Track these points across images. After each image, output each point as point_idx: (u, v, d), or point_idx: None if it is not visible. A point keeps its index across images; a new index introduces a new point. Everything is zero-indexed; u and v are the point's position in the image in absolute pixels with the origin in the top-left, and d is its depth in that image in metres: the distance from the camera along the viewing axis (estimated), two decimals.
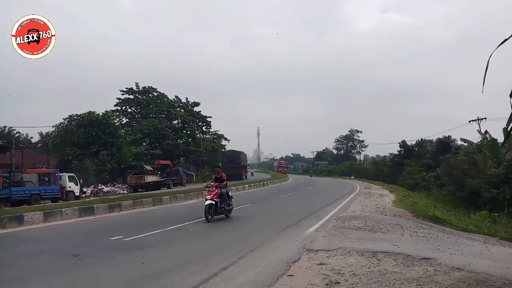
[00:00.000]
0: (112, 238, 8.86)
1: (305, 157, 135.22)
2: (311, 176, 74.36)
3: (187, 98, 58.37)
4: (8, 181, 24.36)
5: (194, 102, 58.60)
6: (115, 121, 42.30)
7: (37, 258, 7.28)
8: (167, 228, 10.37)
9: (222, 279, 5.71)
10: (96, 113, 38.52)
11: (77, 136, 37.14)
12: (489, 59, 4.55)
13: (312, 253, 7.40)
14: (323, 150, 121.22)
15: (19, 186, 24.07)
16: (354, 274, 5.95)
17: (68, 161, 35.17)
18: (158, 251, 7.67)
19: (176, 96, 57.09)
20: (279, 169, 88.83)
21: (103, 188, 33.62)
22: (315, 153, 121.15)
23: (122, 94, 51.29)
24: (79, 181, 28.86)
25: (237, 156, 51.28)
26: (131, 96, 51.82)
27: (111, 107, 49.50)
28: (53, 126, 41.84)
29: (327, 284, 5.44)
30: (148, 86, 53.23)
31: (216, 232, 10.32)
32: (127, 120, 52.16)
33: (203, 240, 9.12)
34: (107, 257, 7.21)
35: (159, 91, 54.15)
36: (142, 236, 9.20)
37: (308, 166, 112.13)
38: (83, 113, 38.52)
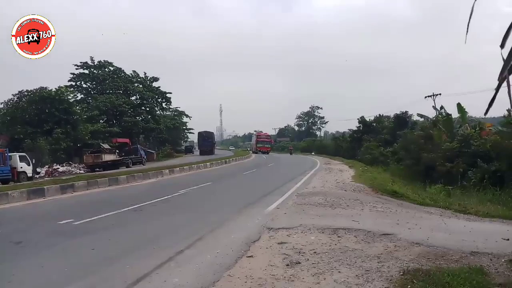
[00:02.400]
0: (61, 222, 8.30)
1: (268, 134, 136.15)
2: (291, 153, 66.81)
3: (145, 73, 56.51)
4: None
5: (153, 77, 56.83)
6: (70, 97, 40.27)
7: None
8: (122, 210, 9.88)
9: (177, 263, 5.40)
10: (49, 88, 36.46)
11: (29, 114, 35.01)
12: (473, 4, 4.35)
13: (273, 231, 7.24)
14: (285, 127, 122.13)
15: None
16: (315, 252, 5.83)
17: (20, 140, 33.23)
18: (110, 235, 7.24)
19: (134, 71, 55.10)
20: (258, 145, 67.20)
21: (58, 168, 32.13)
22: (277, 130, 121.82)
23: (77, 69, 48.78)
24: (32, 161, 27.39)
25: (210, 136, 64.03)
26: (86, 71, 49.43)
27: (65, 82, 47.08)
28: (1, 103, 39.34)
29: (287, 265, 5.26)
30: (104, 61, 50.86)
31: (174, 212, 9.94)
32: (82, 96, 49.80)
33: (160, 221, 8.73)
34: (53, 243, 6.70)
35: (115, 65, 51.98)
36: (95, 218, 8.69)
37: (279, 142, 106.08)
38: (34, 89, 36.34)
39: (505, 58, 4.08)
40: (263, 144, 67.38)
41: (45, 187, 13.26)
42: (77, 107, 41.00)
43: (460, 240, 6.65)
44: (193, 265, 5.32)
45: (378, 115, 50.52)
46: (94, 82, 50.28)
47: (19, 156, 26.25)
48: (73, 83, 48.54)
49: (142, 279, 4.82)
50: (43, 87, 36.27)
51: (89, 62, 49.40)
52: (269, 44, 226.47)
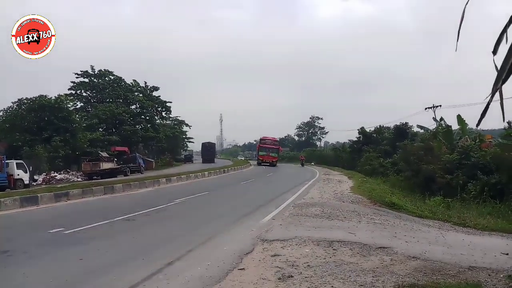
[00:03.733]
0: (51, 231, 8.11)
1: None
2: (302, 165, 52.64)
3: (145, 83, 56.69)
4: None
5: (153, 86, 57.00)
6: (69, 105, 40.25)
7: None
8: (115, 219, 9.69)
9: (166, 275, 5.23)
10: (48, 97, 36.44)
11: (28, 121, 34.98)
12: (464, 8, 4.24)
13: (267, 243, 7.07)
14: (285, 136, 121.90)
15: None
16: (308, 266, 5.66)
17: (18, 147, 33.11)
18: (100, 245, 7.05)
19: (134, 80, 55.25)
20: (260, 153, 51.46)
21: (56, 176, 31.98)
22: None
23: (77, 77, 48.89)
24: (29, 169, 27.25)
25: (212, 146, 74.97)
26: (86, 80, 49.51)
27: (64, 91, 47.10)
28: (0, 110, 39.31)
29: (279, 278, 5.10)
30: (104, 69, 50.98)
31: (167, 222, 9.76)
32: (82, 104, 49.86)
33: (151, 231, 8.55)
34: (41, 253, 6.52)
35: (116, 74, 52.08)
36: (85, 228, 8.49)
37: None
38: (33, 97, 36.32)
39: (497, 65, 3.96)
40: (267, 152, 49.09)
41: (39, 195, 13.08)
42: (77, 116, 40.97)
43: (458, 254, 6.49)
44: (182, 277, 5.15)
45: (378, 126, 50.54)
46: (94, 91, 50.35)
47: (16, 163, 26.11)
48: (73, 92, 48.57)
49: None
50: (43, 95, 36.26)
51: (90, 71, 49.53)
52: (271, 55, 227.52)
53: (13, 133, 34.56)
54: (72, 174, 33.89)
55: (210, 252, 6.53)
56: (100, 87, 49.76)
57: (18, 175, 25.49)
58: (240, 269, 5.53)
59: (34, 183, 28.14)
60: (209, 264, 5.73)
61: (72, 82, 48.61)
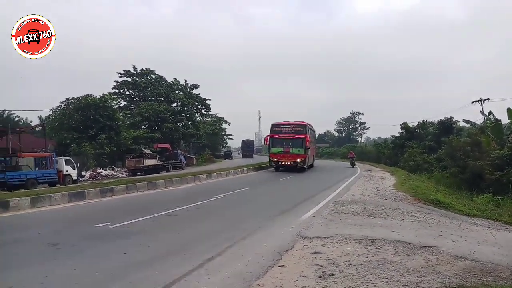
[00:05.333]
0: (97, 225, 8.43)
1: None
2: (353, 164, 38.35)
3: (186, 81, 57.74)
4: (4, 165, 24.08)
5: (193, 84, 57.93)
6: (113, 104, 41.68)
7: (13, 248, 6.84)
8: (158, 214, 9.94)
9: (207, 271, 5.28)
10: (94, 96, 37.94)
11: (75, 120, 36.56)
12: None
13: (307, 240, 6.98)
14: (325, 132, 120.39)
15: (15, 170, 23.76)
16: (350, 264, 5.53)
17: (67, 145, 34.77)
18: (143, 239, 7.24)
19: (175, 79, 56.41)
20: (272, 150, 28.90)
21: (101, 172, 33.26)
22: (316, 136, 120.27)
23: (120, 77, 50.61)
24: (77, 165, 28.51)
25: (251, 143, 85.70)
26: (129, 79, 51.12)
27: (109, 90, 48.86)
28: (50, 110, 41.42)
29: (320, 277, 5.01)
30: (146, 69, 52.45)
31: (208, 218, 9.88)
32: (125, 103, 51.53)
33: (193, 226, 8.68)
34: (88, 246, 6.78)
35: (157, 73, 53.43)
36: (130, 222, 8.75)
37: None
38: (80, 96, 37.94)
39: None
40: (285, 145, 28.30)
41: (85, 190, 13.63)
42: (120, 114, 42.36)
43: (510, 255, 6.15)
44: (222, 273, 5.18)
45: (421, 121, 48.85)
46: (136, 90, 51.90)
47: (65, 160, 27.42)
48: (117, 91, 50.29)
49: (171, 285, 4.74)
50: (89, 95, 37.77)
51: (132, 70, 51.07)
52: (309, 50, 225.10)
53: (61, 131, 36.31)
54: (117, 170, 35.10)
55: (250, 248, 6.54)
56: (142, 86, 51.19)
57: (67, 171, 26.75)
58: (280, 266, 5.50)
59: (82, 179, 29.40)
60: (249, 260, 5.74)
61: (115, 81, 50.41)
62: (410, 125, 48.29)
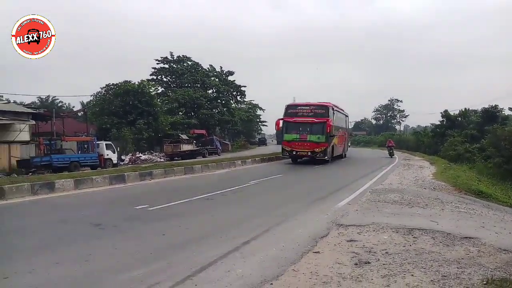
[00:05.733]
0: (137, 207, 8.72)
1: (349, 128, 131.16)
2: (391, 154, 32.99)
3: (221, 67, 58.02)
4: (50, 148, 25.27)
5: (229, 71, 58.13)
6: (151, 90, 42.62)
7: (58, 226, 7.22)
8: (194, 198, 10.16)
9: (242, 254, 5.36)
10: (132, 82, 38.90)
11: (115, 105, 37.71)
12: None
13: (342, 228, 6.93)
14: (362, 120, 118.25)
15: (59, 154, 24.88)
16: (386, 253, 5.45)
17: (107, 129, 36.00)
18: (181, 222, 7.44)
19: (211, 65, 56.82)
20: (287, 135, 23.75)
21: (140, 156, 34.27)
22: (353, 124, 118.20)
23: (157, 64, 51.59)
24: (117, 149, 29.48)
25: None
26: (166, 66, 51.99)
27: (147, 76, 49.95)
28: (91, 95, 42.89)
29: (356, 264, 4.98)
30: (183, 55, 53.15)
31: (243, 202, 10.01)
32: (162, 89, 52.57)
33: (228, 211, 8.83)
34: (128, 227, 7.05)
35: (193, 60, 53.99)
36: (168, 205, 9.01)
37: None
38: (119, 82, 39.02)
39: None
40: (302, 131, 23.30)
41: (125, 173, 14.10)
42: (158, 100, 43.29)
43: None
44: (257, 257, 5.24)
45: (463, 109, 47.01)
46: (173, 76, 52.76)
47: (106, 144, 28.39)
48: (154, 77, 51.33)
49: (207, 267, 4.84)
50: (127, 81, 38.74)
51: (169, 57, 51.86)
52: (346, 35, 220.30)
53: (102, 116, 37.57)
54: (155, 155, 36.03)
55: (285, 233, 6.57)
56: (179, 72, 51.95)
57: (107, 155, 27.72)
58: (315, 252, 5.50)
59: (121, 163, 30.41)
60: (283, 246, 5.77)
61: (153, 68, 51.40)
62: (451, 113, 46.62)
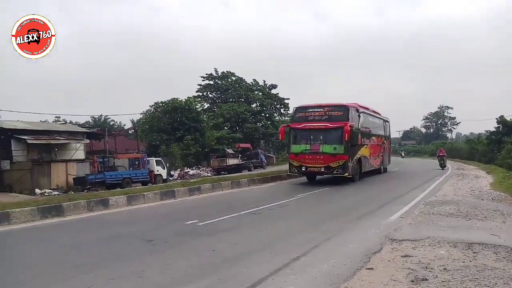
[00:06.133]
0: (187, 223, 8.88)
1: (390, 137, 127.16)
2: (442, 165, 29.60)
3: (264, 81, 58.55)
4: (103, 165, 26.47)
5: (272, 84, 58.53)
6: (197, 106, 43.68)
7: (112, 243, 7.48)
8: (242, 212, 10.21)
9: (293, 270, 5.29)
10: (179, 99, 40.10)
11: (163, 122, 39.00)
12: None
13: (396, 243, 6.68)
14: (410, 129, 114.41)
15: (112, 171, 25.97)
16: (445, 269, 5.18)
17: (156, 146, 37.26)
18: (229, 237, 7.48)
19: (254, 80, 57.50)
20: (294, 147, 18.67)
21: (188, 171, 35.06)
22: (401, 133, 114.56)
23: (203, 80, 52.97)
24: (166, 165, 30.35)
25: None
26: (211, 82, 53.22)
27: (193, 93, 51.35)
28: (141, 113, 44.62)
29: (412, 281, 4.76)
30: (227, 71, 54.24)
31: (291, 217, 9.94)
32: (208, 105, 53.76)
33: (276, 226, 8.78)
34: (179, 242, 7.19)
35: (237, 75, 54.92)
36: (216, 220, 9.11)
37: (394, 146, 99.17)
38: (167, 100, 40.35)
39: None
40: (313, 141, 18.33)
41: (175, 189, 14.45)
42: (204, 116, 44.28)
43: None
44: (308, 273, 5.15)
45: None
46: (218, 92, 53.88)
47: (156, 160, 29.33)
48: (200, 94, 52.66)
49: (258, 284, 4.81)
50: (175, 98, 39.98)
51: (214, 73, 53.11)
52: (392, 42, 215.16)
53: (151, 133, 38.96)
54: (202, 169, 36.74)
55: (335, 249, 6.42)
56: (224, 88, 53.01)
57: (157, 171, 28.58)
58: (368, 269, 5.32)
59: (171, 178, 31.22)
60: (335, 262, 5.63)
61: (199, 85, 52.82)
62: (508, 118, 44.08)
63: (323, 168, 17.49)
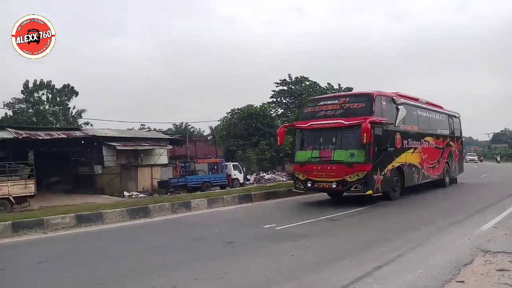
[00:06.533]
0: (265, 226, 8.98)
1: (478, 140, 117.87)
2: None
3: (339, 84, 57.38)
4: (185, 170, 27.89)
5: (347, 87, 57.20)
6: (271, 112, 44.14)
7: (195, 243, 7.79)
8: (319, 218, 10.07)
9: (376, 280, 5.11)
10: (254, 105, 40.91)
11: (239, 128, 40.05)
12: None
13: (489, 255, 6.16)
14: (501, 131, 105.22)
15: (193, 175, 27.25)
16: None
17: (233, 151, 38.38)
18: (308, 243, 7.43)
19: (328, 83, 56.63)
20: (300, 154, 13.55)
21: (264, 176, 35.52)
22: (491, 135, 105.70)
23: (277, 86, 53.44)
24: (243, 169, 31.08)
25: None
26: (285, 87, 53.51)
27: (267, 99, 52.03)
28: (219, 120, 46.26)
29: None
30: (301, 76, 54.17)
31: (371, 224, 9.58)
32: (282, 110, 54.03)
33: (356, 233, 8.54)
34: (258, 246, 7.29)
35: (311, 79, 54.61)
36: (294, 225, 9.09)
37: (483, 150, 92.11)
38: (243, 107, 41.39)
39: None
40: (318, 145, 13.01)
41: (252, 193, 14.72)
42: (278, 121, 44.62)
43: None
44: (392, 283, 4.94)
45: None
46: (292, 97, 53.94)
47: (233, 165, 30.22)
48: (274, 99, 53.19)
49: None
50: (250, 105, 40.88)
51: (287, 79, 53.41)
52: (478, 40, 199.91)
53: (228, 139, 40.20)
54: (278, 174, 36.96)
55: (421, 259, 6.08)
56: (297, 93, 52.95)
57: (234, 175, 29.40)
58: (458, 282, 4.97)
59: (247, 182, 31.85)
60: (421, 273, 5.33)
61: (273, 91, 53.45)
62: None
63: (335, 183, 12.26)
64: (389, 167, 13.06)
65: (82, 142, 30.41)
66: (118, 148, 28.09)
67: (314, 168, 12.74)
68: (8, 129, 26.30)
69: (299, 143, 13.85)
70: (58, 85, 47.36)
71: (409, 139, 14.68)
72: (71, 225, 9.94)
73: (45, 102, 47.08)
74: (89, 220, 10.29)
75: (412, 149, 14.95)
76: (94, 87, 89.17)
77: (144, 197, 22.09)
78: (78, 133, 29.83)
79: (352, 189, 12.20)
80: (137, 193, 25.89)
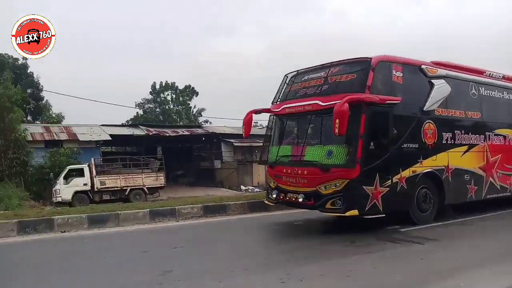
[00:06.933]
0: (388, 227, 8.55)
1: None
2: None
3: None
4: None
5: None
6: None
7: (318, 242, 7.69)
8: (447, 221, 9.27)
9: None
10: None
11: None
12: None
13: None
14: None
15: None
16: None
17: None
18: (437, 247, 6.95)
19: None
20: (272, 154, 9.31)
21: None
22: None
23: None
24: None
25: None
26: None
27: None
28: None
29: None
30: None
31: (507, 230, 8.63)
32: None
33: (494, 239, 7.69)
34: (381, 247, 6.97)
35: None
36: (420, 227, 8.48)
37: None
38: None
39: None
40: (293, 139, 9.42)
41: None
42: None
43: None
44: None
45: None
46: None
47: None
48: None
49: None
50: None
51: None
52: None
53: None
54: None
55: None
56: None
57: None
58: None
59: None
60: None
61: None
62: None
63: (302, 195, 8.22)
64: (406, 173, 8.42)
65: (203, 138, 32.72)
66: (235, 144, 29.58)
67: (284, 171, 8.77)
68: (141, 126, 29.59)
69: (274, 135, 9.76)
70: (181, 86, 51.70)
71: (457, 132, 9.71)
72: (199, 215, 10.76)
73: (170, 102, 51.80)
74: (214, 211, 11.02)
75: (465, 147, 9.94)
76: (211, 87, 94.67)
77: (259, 191, 22.82)
78: (199, 130, 32.25)
79: (327, 206, 7.85)
80: (252, 187, 26.93)
